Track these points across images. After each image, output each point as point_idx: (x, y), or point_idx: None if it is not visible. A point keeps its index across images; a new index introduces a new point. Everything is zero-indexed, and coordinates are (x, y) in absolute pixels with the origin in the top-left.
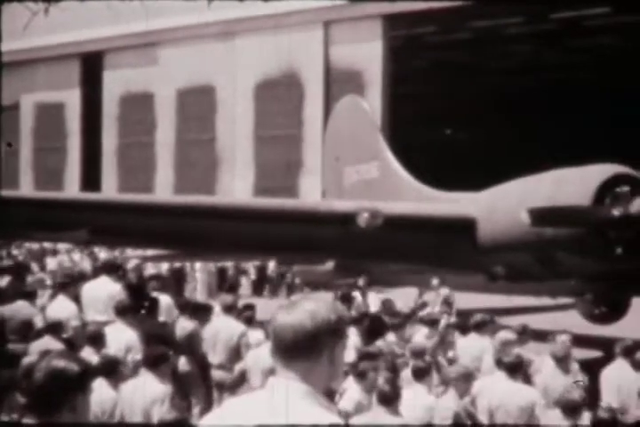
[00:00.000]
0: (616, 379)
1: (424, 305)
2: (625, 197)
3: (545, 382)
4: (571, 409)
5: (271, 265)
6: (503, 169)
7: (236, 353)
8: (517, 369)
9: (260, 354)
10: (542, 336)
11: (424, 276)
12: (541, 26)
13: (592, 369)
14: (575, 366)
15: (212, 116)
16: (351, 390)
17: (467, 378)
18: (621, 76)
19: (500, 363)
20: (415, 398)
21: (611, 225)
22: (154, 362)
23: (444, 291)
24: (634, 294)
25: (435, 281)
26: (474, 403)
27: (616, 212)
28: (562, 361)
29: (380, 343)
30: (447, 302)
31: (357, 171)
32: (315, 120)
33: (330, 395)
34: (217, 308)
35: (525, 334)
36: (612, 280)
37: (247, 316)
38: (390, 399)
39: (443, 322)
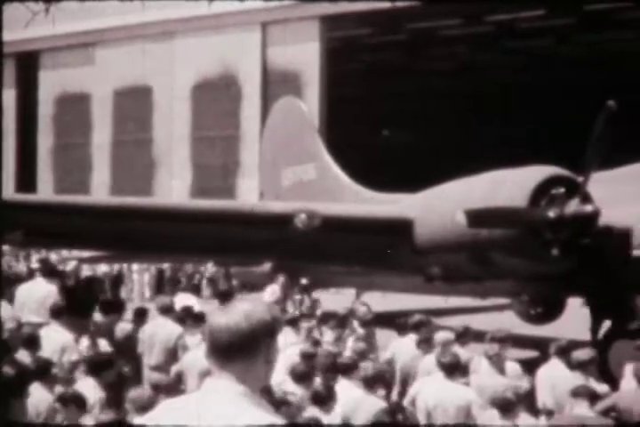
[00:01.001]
0: (551, 378)
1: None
2: (560, 198)
3: (479, 382)
4: (505, 408)
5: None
6: (441, 170)
7: (172, 355)
8: (455, 369)
9: (196, 355)
10: (480, 337)
11: (363, 277)
12: (477, 28)
13: (530, 369)
14: (516, 367)
15: (150, 117)
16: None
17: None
18: (554, 77)
19: (438, 363)
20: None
21: (546, 226)
22: (97, 368)
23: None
24: (569, 295)
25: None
26: (413, 403)
27: (551, 213)
28: (494, 361)
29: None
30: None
31: (295, 172)
32: (252, 121)
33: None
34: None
35: (467, 335)
36: (547, 281)
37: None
38: (324, 399)
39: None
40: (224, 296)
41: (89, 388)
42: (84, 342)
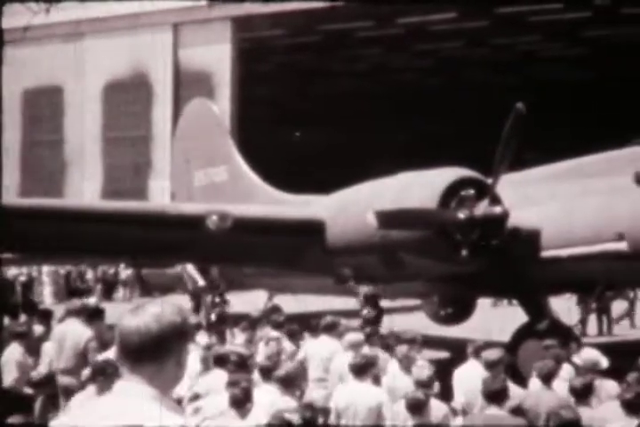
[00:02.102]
0: (467, 379)
1: (275, 309)
2: (470, 199)
3: (389, 383)
4: (415, 408)
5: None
6: (353, 171)
7: (83, 358)
8: (364, 370)
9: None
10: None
11: (276, 279)
12: (389, 30)
13: (443, 369)
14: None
15: (60, 118)
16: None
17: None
18: (464, 78)
19: (349, 365)
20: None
21: (456, 227)
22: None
23: None
24: (479, 296)
25: None
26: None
27: (461, 214)
28: (403, 361)
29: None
30: None
31: (207, 174)
32: (164, 122)
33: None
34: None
35: (377, 336)
36: (457, 282)
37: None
38: (240, 402)
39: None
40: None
41: None
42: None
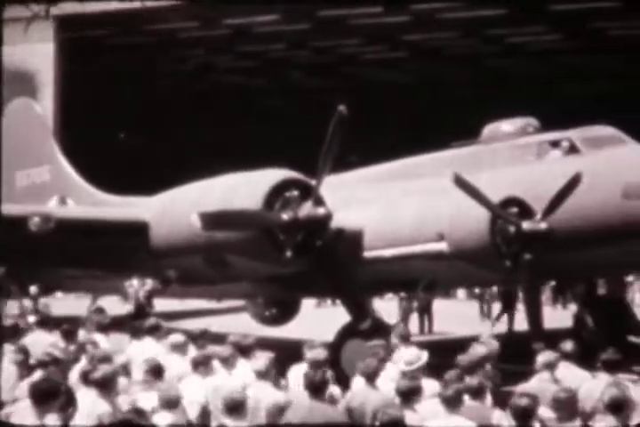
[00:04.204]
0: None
1: (99, 311)
2: (294, 201)
3: (215, 383)
4: (235, 409)
5: None
6: (178, 172)
7: None
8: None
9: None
10: (218, 339)
11: (100, 281)
12: (214, 31)
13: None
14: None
15: None
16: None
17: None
18: (287, 80)
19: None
20: None
21: (280, 229)
22: None
23: None
24: (303, 296)
25: None
26: None
27: (285, 216)
28: (226, 362)
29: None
30: None
31: (29, 174)
32: None
33: None
34: None
35: (205, 338)
36: (282, 282)
37: None
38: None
39: None
40: None
41: None
42: None
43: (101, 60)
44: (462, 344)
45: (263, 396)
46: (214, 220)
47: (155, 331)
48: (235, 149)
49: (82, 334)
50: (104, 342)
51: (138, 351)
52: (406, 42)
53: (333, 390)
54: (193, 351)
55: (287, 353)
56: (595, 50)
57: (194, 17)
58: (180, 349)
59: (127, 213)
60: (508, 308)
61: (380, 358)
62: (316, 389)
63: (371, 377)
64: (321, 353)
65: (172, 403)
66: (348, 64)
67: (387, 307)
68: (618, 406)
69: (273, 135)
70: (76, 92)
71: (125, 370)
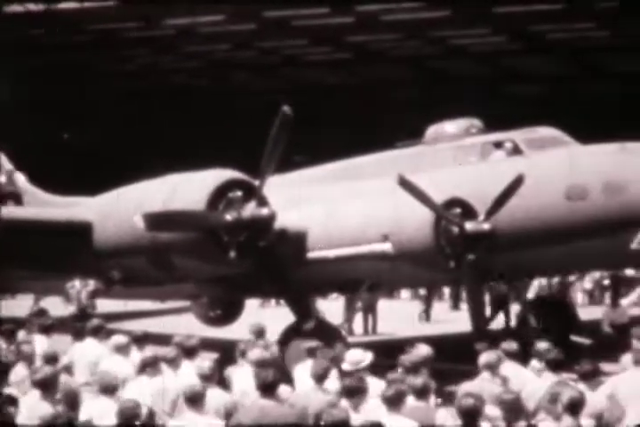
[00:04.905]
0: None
1: (42, 312)
2: (238, 201)
3: (161, 385)
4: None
5: None
6: (123, 172)
7: None
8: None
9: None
10: (160, 340)
11: (42, 281)
12: (158, 31)
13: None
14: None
15: None
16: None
17: None
18: (231, 81)
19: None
20: None
21: (224, 229)
22: None
23: None
24: (247, 296)
25: None
26: None
27: (228, 216)
28: (172, 362)
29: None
30: None
31: None
32: None
33: None
34: None
35: (146, 339)
36: (226, 283)
37: None
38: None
39: None
40: None
41: None
42: None
43: (45, 58)
44: (406, 345)
45: (210, 397)
46: (158, 220)
47: (97, 332)
48: (178, 149)
49: (21, 335)
50: (45, 343)
51: (80, 353)
52: (351, 43)
53: (283, 389)
54: (135, 353)
55: (230, 354)
56: (537, 52)
57: (137, 17)
58: (122, 350)
59: (70, 214)
60: (501, 308)
61: (331, 359)
62: (266, 388)
63: (320, 378)
64: (264, 352)
65: (109, 388)
66: (293, 65)
67: (331, 307)
68: (576, 407)
69: (217, 135)
70: (20, 91)
71: (68, 371)
